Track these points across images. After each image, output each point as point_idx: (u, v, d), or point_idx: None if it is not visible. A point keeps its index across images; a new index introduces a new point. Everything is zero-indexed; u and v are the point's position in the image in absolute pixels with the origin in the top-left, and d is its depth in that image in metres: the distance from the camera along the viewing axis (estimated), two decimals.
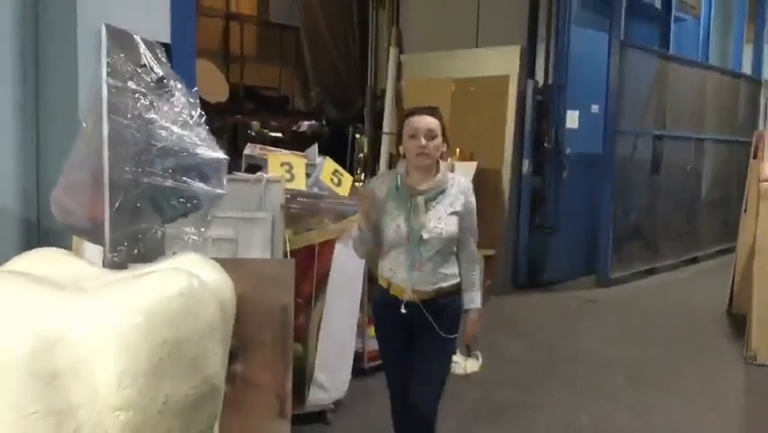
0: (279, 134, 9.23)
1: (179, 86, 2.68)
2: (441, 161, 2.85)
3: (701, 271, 9.29)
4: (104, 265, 2.27)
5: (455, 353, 2.93)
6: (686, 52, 10.04)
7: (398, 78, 8.51)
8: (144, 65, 2.61)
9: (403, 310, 2.80)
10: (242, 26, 9.85)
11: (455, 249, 2.87)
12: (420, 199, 2.79)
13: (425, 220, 2.77)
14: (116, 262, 2.35)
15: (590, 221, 8.31)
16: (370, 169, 8.35)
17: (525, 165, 7.90)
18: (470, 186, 2.92)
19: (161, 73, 2.63)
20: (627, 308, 7.22)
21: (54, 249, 2.12)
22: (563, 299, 7.51)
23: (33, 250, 2.12)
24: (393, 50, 8.56)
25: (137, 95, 2.51)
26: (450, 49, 8.35)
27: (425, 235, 2.76)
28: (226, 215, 3.34)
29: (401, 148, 2.88)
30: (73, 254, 2.22)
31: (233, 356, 3.37)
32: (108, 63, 2.43)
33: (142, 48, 2.62)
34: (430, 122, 2.80)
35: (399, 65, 8.53)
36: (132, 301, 1.69)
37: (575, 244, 8.22)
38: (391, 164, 8.38)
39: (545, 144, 7.94)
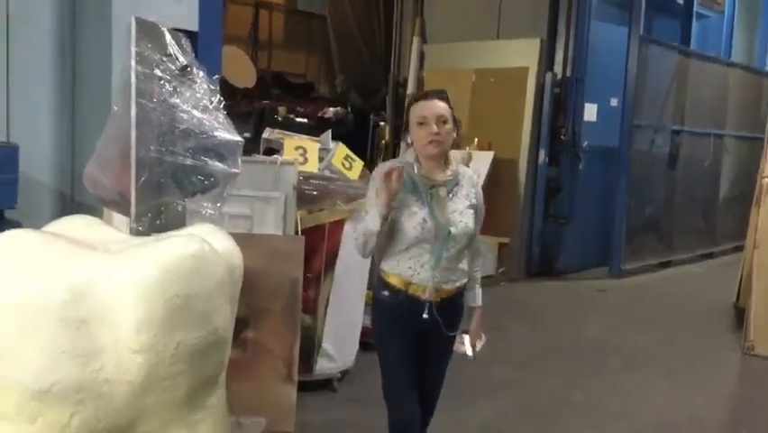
0: (305, 120, 9.49)
1: (201, 73, 2.94)
2: (450, 151, 2.68)
3: (717, 266, 9.36)
4: (130, 233, 2.56)
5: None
6: (710, 48, 10.10)
7: (421, 67, 8.72)
8: (170, 54, 2.87)
9: (425, 315, 2.62)
10: (270, 14, 10.13)
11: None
12: (442, 191, 2.60)
13: (450, 214, 2.60)
14: (140, 231, 2.63)
15: (605, 213, 8.46)
16: (391, 156, 8.58)
17: (541, 156, 8.07)
18: (476, 176, 2.82)
19: (185, 62, 2.89)
20: (636, 299, 7.39)
21: (87, 216, 2.40)
22: (574, 287, 7.69)
23: (69, 216, 2.41)
24: (416, 40, 8.78)
25: (162, 81, 2.78)
26: (471, 40, 8.54)
27: (454, 231, 2.59)
28: (243, 193, 3.61)
29: (408, 137, 2.69)
30: (103, 222, 2.50)
31: (245, 324, 3.68)
32: (137, 52, 2.70)
33: (168, 38, 2.89)
34: (440, 106, 2.60)
35: (422, 55, 8.75)
36: (151, 260, 1.97)
37: (589, 235, 8.37)
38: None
39: (562, 136, 8.11)
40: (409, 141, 2.69)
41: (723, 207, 10.24)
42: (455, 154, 7.76)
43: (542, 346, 5.48)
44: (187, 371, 2.03)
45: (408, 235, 2.60)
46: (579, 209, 8.19)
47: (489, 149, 7.98)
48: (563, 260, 8.17)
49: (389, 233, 2.64)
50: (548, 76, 8.01)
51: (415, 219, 2.58)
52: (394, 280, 2.67)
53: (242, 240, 2.52)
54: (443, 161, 2.65)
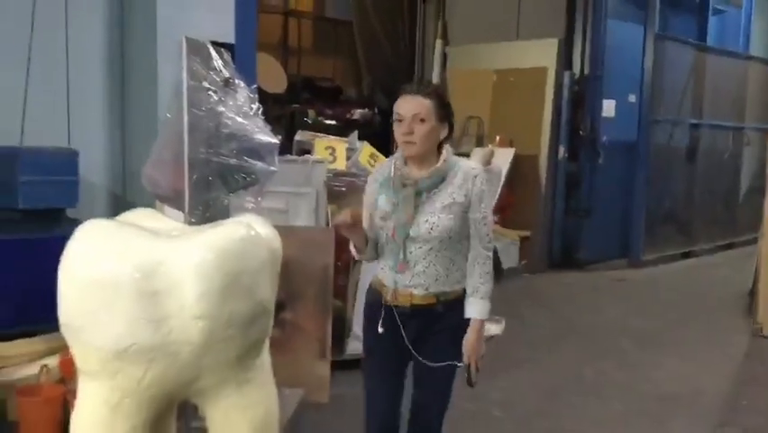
0: (333, 121, 9.89)
1: (242, 84, 3.35)
2: (444, 147, 2.47)
3: (736, 257, 9.51)
4: (184, 224, 2.98)
5: (455, 370, 2.52)
6: (727, 43, 10.30)
7: (443, 68, 9.10)
8: (215, 68, 3.29)
9: (381, 315, 2.47)
10: (299, 21, 10.56)
11: (465, 246, 2.47)
12: (410, 190, 2.40)
13: (415, 214, 2.40)
14: (193, 222, 3.05)
15: (624, 205, 8.75)
16: None
17: (561, 152, 8.38)
18: (481, 172, 2.49)
19: (228, 74, 3.30)
20: (654, 287, 7.67)
21: (150, 209, 2.83)
22: (594, 277, 7.99)
23: (136, 209, 2.83)
24: (439, 43, 9.16)
25: (209, 92, 3.19)
26: (492, 41, 8.89)
27: (413, 233, 2.39)
28: (279, 189, 4.02)
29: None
30: (162, 214, 2.92)
31: (282, 306, 4.10)
32: (187, 67, 3.13)
33: (213, 54, 3.30)
34: (418, 104, 2.38)
35: (444, 56, 9.13)
36: (207, 243, 2.37)
37: (609, 227, 8.66)
38: None
39: (581, 132, 8.42)
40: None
41: (744, 199, 10.43)
42: (477, 152, 8.19)
43: (558, 330, 5.80)
44: (238, 335, 2.43)
45: (378, 236, 2.52)
46: (598, 202, 8.48)
47: (511, 146, 8.30)
48: (584, 252, 8.46)
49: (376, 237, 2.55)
50: (566, 74, 8.32)
51: (381, 218, 2.48)
52: (375, 283, 2.60)
53: (278, 231, 2.90)
54: (431, 157, 2.44)
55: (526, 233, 8.23)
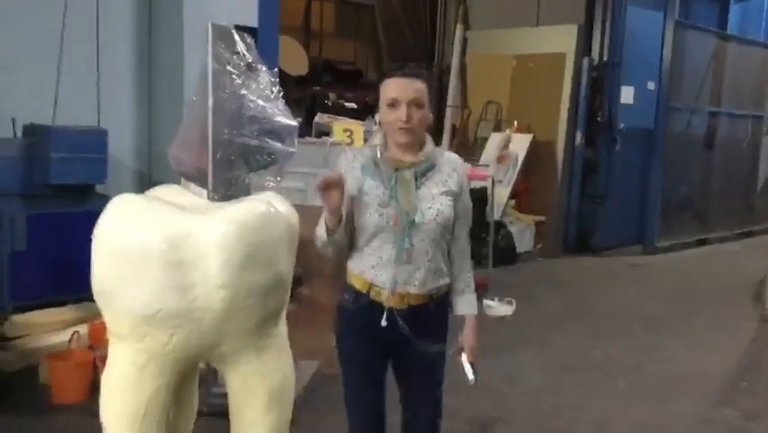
0: (354, 104, 10.03)
1: (264, 68, 3.51)
2: (426, 134, 2.30)
3: (754, 245, 9.58)
4: (208, 200, 3.16)
5: (444, 364, 2.38)
6: (749, 32, 10.26)
7: (463, 53, 9.17)
8: (238, 52, 3.46)
9: (383, 322, 2.24)
10: (322, 5, 10.69)
11: (448, 239, 2.32)
12: (407, 173, 2.21)
13: (416, 198, 2.21)
14: (215, 199, 3.23)
15: (641, 192, 8.80)
16: (434, 139, 9.06)
17: (578, 138, 8.46)
18: (462, 162, 2.38)
19: (251, 59, 3.47)
20: (668, 273, 7.75)
21: (176, 185, 3.00)
22: (608, 263, 8.09)
23: (162, 185, 3.01)
24: (459, 27, 9.22)
25: (233, 75, 3.36)
26: (512, 26, 8.96)
27: (418, 219, 2.19)
28: (298, 170, 4.18)
29: (377, 116, 2.31)
30: (187, 190, 3.10)
31: (300, 282, 4.27)
32: (212, 52, 3.29)
33: (237, 39, 3.47)
34: (416, 87, 2.19)
35: (465, 41, 9.19)
36: (230, 216, 2.54)
37: (624, 214, 8.72)
38: (454, 136, 9.11)
39: (598, 118, 8.49)
40: (377, 120, 2.32)
41: (763, 187, 10.44)
42: (494, 136, 8.30)
43: (569, 313, 5.93)
44: (257, 304, 2.60)
45: (368, 224, 2.23)
46: (615, 189, 8.55)
47: (528, 131, 8.39)
48: (599, 237, 8.55)
49: (350, 231, 2.27)
50: (585, 60, 8.37)
51: (374, 205, 2.21)
52: (355, 282, 2.33)
53: (296, 209, 3.05)
54: (417, 145, 2.26)
55: (542, 218, 8.35)
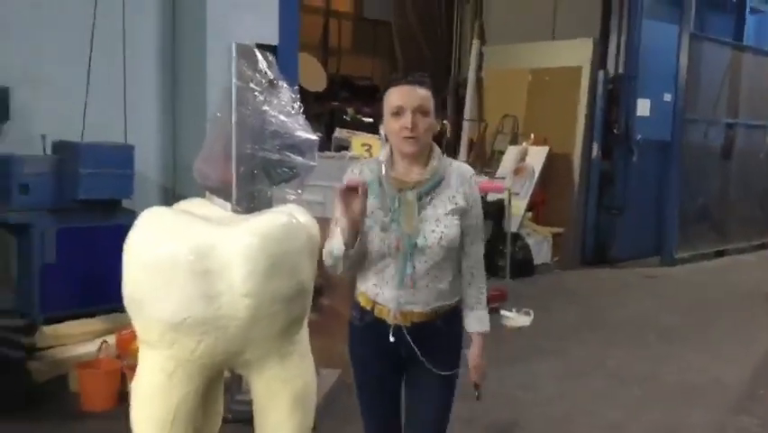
0: (371, 119, 10.17)
1: (285, 85, 3.63)
2: (434, 145, 2.22)
3: None
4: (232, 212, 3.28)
5: (455, 387, 2.32)
6: (765, 44, 10.28)
7: (480, 67, 9.30)
8: (260, 70, 3.58)
9: (391, 338, 2.21)
10: (339, 22, 10.88)
11: (458, 255, 2.25)
12: (410, 195, 2.15)
13: (419, 222, 2.15)
14: (239, 211, 3.34)
15: (658, 204, 8.83)
16: (451, 153, 9.17)
17: (595, 150, 8.52)
18: (473, 173, 2.29)
19: (272, 76, 3.59)
20: (684, 285, 7.77)
21: (201, 198, 3.12)
22: (625, 275, 8.11)
23: (189, 199, 3.13)
24: (476, 42, 9.37)
25: (255, 92, 3.49)
26: (528, 41, 9.06)
27: (421, 243, 2.14)
28: (317, 183, 4.29)
29: (382, 128, 2.24)
30: (212, 204, 3.22)
31: (320, 292, 4.36)
32: (236, 70, 3.42)
33: (259, 57, 3.59)
34: (421, 95, 2.13)
35: (481, 56, 9.33)
36: (254, 228, 2.65)
37: (642, 225, 8.75)
38: (471, 149, 9.21)
39: (615, 131, 8.55)
40: (382, 132, 2.25)
41: None
42: (511, 149, 8.38)
43: (585, 324, 5.98)
44: (281, 312, 2.70)
45: (372, 247, 2.18)
46: (632, 200, 8.59)
47: (545, 144, 8.46)
48: (616, 249, 8.58)
49: (362, 246, 2.18)
50: (601, 73, 8.44)
51: (376, 229, 2.16)
52: (361, 298, 2.30)
53: (317, 221, 3.15)
54: (426, 157, 2.19)
55: (559, 229, 8.41)
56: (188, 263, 2.57)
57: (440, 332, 2.25)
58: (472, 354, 2.32)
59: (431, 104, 2.15)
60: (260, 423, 2.82)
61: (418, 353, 2.21)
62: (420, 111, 2.12)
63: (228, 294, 2.60)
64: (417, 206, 2.16)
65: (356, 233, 2.13)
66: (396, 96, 2.14)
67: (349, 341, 2.40)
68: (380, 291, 2.22)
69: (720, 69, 9.13)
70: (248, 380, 2.87)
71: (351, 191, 2.06)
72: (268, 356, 2.76)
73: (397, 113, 2.13)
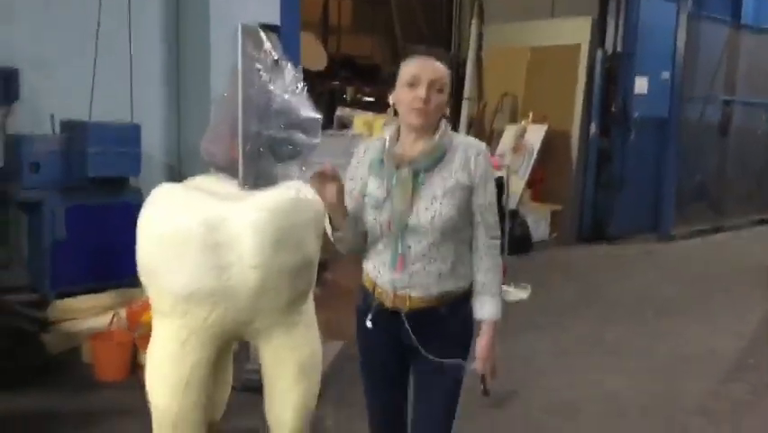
0: (371, 98, 10.23)
1: (289, 65, 3.72)
2: (443, 120, 2.13)
3: None
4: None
5: (462, 378, 2.19)
6: (764, 21, 10.32)
7: (479, 47, 9.34)
8: (265, 50, 3.67)
9: (388, 323, 2.15)
10: (339, 1, 10.88)
11: (470, 235, 2.13)
12: (406, 172, 2.05)
13: (413, 200, 2.04)
14: (246, 189, 3.45)
15: (655, 181, 8.93)
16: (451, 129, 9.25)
17: (593, 128, 8.60)
18: (485, 149, 2.14)
19: (277, 56, 3.68)
20: (681, 260, 7.89)
21: (211, 175, 3.23)
22: (623, 251, 8.21)
23: (200, 175, 3.24)
24: (475, 21, 9.39)
25: (261, 72, 3.58)
26: (527, 19, 9.10)
27: (413, 222, 2.04)
28: (321, 161, 4.39)
29: (391, 98, 2.15)
30: (221, 180, 3.33)
31: (324, 267, 4.48)
32: (242, 51, 3.51)
33: (264, 38, 3.68)
34: (438, 70, 2.04)
35: (480, 35, 9.37)
36: (262, 202, 2.77)
37: (639, 202, 8.85)
38: (470, 127, 9.29)
39: (612, 109, 8.62)
40: (391, 102, 2.17)
41: None
42: (510, 128, 8.47)
43: (583, 299, 6.10)
44: (287, 283, 2.82)
45: (369, 227, 2.13)
46: (629, 177, 8.67)
47: (544, 122, 8.53)
48: (614, 226, 8.68)
49: (364, 226, 2.15)
50: (599, 52, 8.51)
51: (370, 208, 2.12)
52: (366, 280, 2.24)
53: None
54: (431, 133, 2.10)
55: (557, 207, 8.51)
56: (200, 236, 2.69)
57: (443, 320, 2.12)
58: (479, 343, 2.16)
59: (447, 83, 2.07)
60: (269, 389, 2.95)
61: (414, 339, 2.11)
62: (436, 86, 2.04)
63: (238, 265, 2.72)
64: (414, 183, 2.05)
65: (341, 215, 2.10)
66: (414, 66, 2.05)
67: (357, 338, 2.30)
68: (379, 274, 2.15)
69: (718, 46, 9.20)
70: (257, 348, 2.99)
71: (322, 176, 2.04)
72: (275, 326, 2.88)
73: (413, 83, 2.04)
